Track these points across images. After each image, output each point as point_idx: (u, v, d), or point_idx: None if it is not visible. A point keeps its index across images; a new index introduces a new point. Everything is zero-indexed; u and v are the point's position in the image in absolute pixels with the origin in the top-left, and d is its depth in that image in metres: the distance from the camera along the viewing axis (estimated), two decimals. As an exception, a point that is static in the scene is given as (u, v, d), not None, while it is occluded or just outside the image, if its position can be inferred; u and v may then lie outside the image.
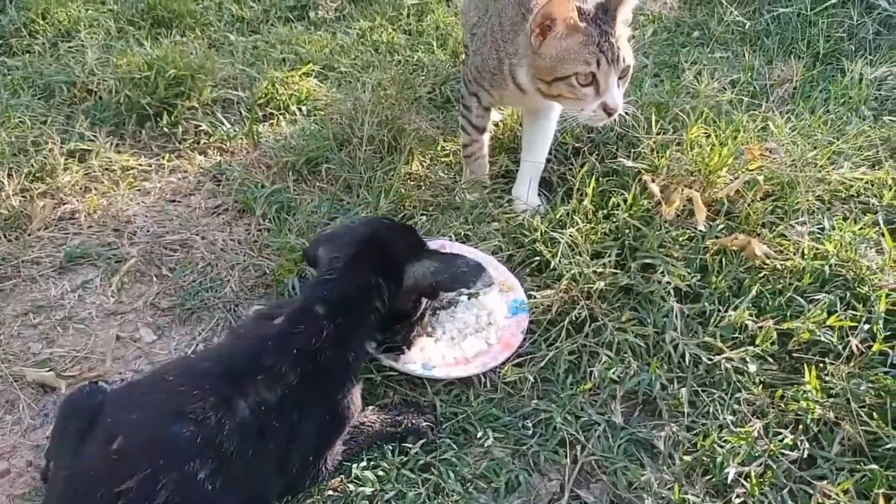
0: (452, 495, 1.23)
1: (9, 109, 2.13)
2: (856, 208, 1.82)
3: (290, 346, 1.19)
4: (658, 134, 1.92)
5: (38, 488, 1.25)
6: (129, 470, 1.03)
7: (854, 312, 1.47)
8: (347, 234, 1.42)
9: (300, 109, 2.26)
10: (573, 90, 1.52)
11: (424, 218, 1.78)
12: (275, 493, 1.19)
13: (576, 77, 1.50)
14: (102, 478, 1.04)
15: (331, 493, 1.23)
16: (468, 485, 1.26)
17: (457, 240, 1.71)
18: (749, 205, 1.71)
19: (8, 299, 1.59)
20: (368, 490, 1.22)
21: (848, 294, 1.52)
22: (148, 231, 1.78)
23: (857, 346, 1.39)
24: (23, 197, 1.83)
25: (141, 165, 2.01)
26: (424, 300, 1.42)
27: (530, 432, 1.34)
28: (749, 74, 2.38)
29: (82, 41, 2.49)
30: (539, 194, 1.88)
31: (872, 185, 1.87)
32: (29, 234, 1.73)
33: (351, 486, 1.23)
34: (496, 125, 2.14)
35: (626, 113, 1.60)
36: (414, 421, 1.34)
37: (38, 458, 1.30)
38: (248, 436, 1.10)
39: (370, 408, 1.33)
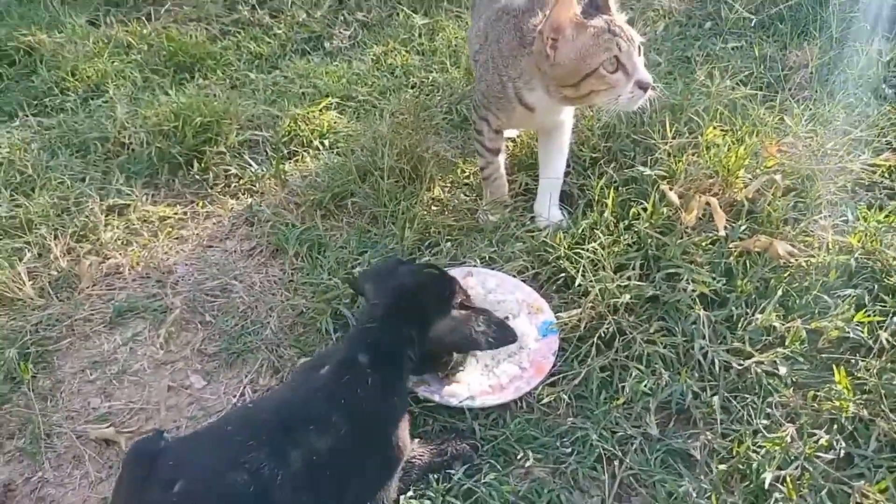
0: (497, 519, 1.28)
1: (49, 171, 2.25)
2: (881, 194, 1.82)
3: (337, 396, 1.26)
4: (674, 138, 1.94)
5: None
6: None
7: (883, 306, 1.48)
8: (390, 278, 1.48)
9: (323, 144, 2.33)
10: (604, 80, 1.55)
11: (449, 244, 1.82)
12: None
13: (602, 66, 1.54)
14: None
15: (381, 524, 1.29)
16: (512, 506, 1.31)
17: (482, 263, 1.75)
18: (769, 203, 1.72)
19: (65, 358, 1.69)
20: (416, 519, 1.28)
21: (876, 287, 1.54)
22: (189, 279, 1.86)
23: (887, 339, 1.40)
24: (70, 257, 1.93)
25: (177, 214, 2.10)
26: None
27: (568, 450, 1.38)
28: (763, 65, 2.38)
29: (111, 96, 2.60)
30: (561, 208, 1.91)
31: (896, 169, 1.87)
32: (79, 293, 1.83)
33: (399, 517, 1.28)
34: (513, 141, 2.18)
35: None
36: (458, 447, 1.39)
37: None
38: (301, 484, 1.16)
39: (416, 441, 1.38)
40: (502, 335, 1.42)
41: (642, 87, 1.55)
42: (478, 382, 1.50)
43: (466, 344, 1.42)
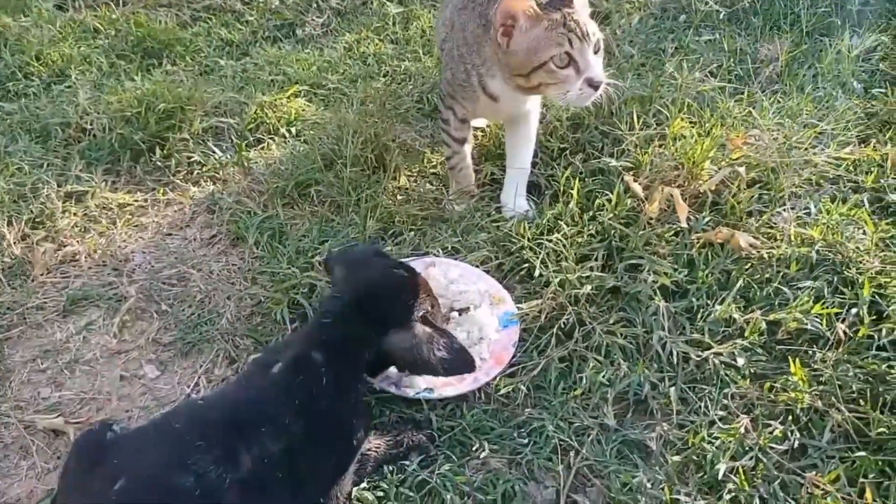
0: (451, 510, 1.26)
1: (7, 156, 2.19)
2: (844, 188, 1.82)
3: (291, 395, 1.21)
4: (641, 129, 1.92)
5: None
6: None
7: (842, 298, 1.48)
8: (359, 269, 1.43)
9: (289, 131, 2.29)
10: (553, 75, 1.53)
11: (413, 233, 1.80)
12: None
13: (552, 61, 1.51)
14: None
15: (333, 516, 1.26)
16: (466, 498, 1.28)
17: (445, 253, 1.73)
18: (734, 195, 1.71)
19: (16, 346, 1.64)
20: (368, 511, 1.26)
21: (835, 279, 1.53)
22: (146, 268, 1.82)
23: (843, 331, 1.40)
24: (24, 244, 1.88)
25: (137, 201, 2.06)
26: None
27: (525, 441, 1.36)
28: (734, 59, 2.37)
29: (74, 81, 2.54)
30: (527, 199, 1.90)
31: (861, 163, 1.86)
32: (32, 281, 1.78)
33: (352, 509, 1.26)
34: (481, 131, 2.16)
35: (609, 84, 1.60)
36: (414, 438, 1.37)
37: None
38: (251, 488, 1.11)
39: (371, 432, 1.34)
40: (461, 363, 1.34)
41: (593, 85, 1.53)
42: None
43: (421, 367, 1.33)
